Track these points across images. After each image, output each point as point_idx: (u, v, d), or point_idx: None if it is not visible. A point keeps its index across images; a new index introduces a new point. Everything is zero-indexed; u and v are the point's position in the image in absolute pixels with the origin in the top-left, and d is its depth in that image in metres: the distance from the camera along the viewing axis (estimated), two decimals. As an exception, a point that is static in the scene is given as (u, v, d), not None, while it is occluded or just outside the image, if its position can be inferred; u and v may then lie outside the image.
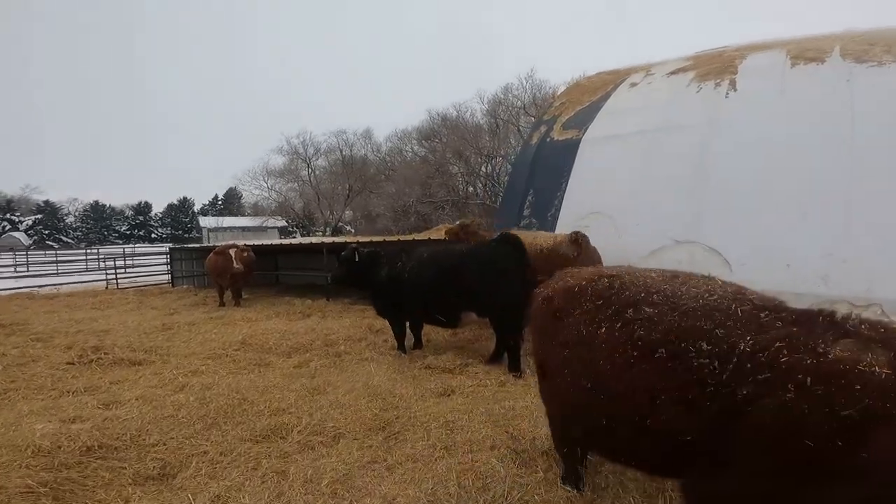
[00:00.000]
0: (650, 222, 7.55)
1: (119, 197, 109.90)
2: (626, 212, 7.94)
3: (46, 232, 65.17)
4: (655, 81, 9.76)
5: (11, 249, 46.68)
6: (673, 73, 9.56)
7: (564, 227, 8.37)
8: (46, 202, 69.07)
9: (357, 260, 6.70)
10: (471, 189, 43.19)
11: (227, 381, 5.33)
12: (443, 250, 6.70)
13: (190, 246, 18.26)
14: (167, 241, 68.09)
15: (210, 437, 3.93)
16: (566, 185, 9.04)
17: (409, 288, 6.23)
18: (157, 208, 77.96)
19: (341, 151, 53.00)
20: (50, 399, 4.85)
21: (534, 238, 6.78)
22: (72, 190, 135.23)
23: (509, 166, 40.13)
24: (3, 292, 13.65)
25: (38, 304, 11.88)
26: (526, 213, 9.63)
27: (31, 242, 59.32)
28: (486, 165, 40.64)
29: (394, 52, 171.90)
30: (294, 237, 63.97)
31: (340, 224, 61.06)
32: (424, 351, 6.62)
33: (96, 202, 73.06)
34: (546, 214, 9.13)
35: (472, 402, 4.59)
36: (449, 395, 4.85)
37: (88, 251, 34.24)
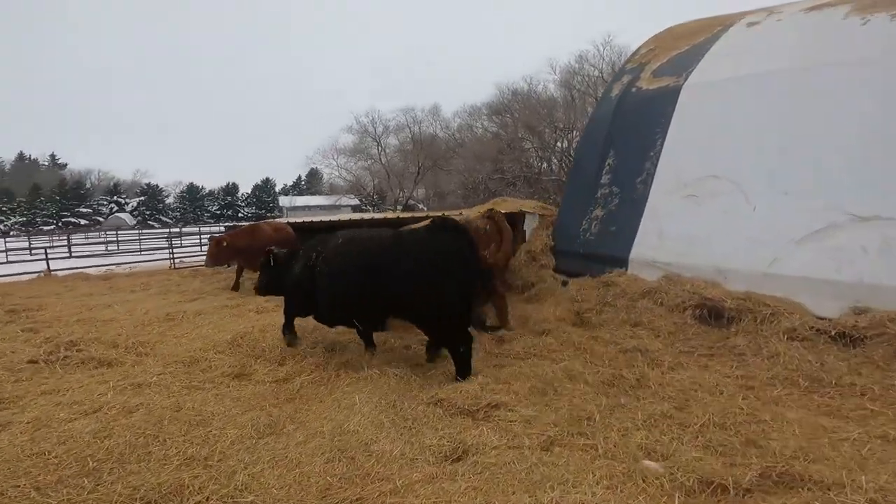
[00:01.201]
0: (807, 189, 5.20)
1: (215, 179, 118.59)
2: (761, 175, 5.59)
3: (148, 212, 71.27)
4: (787, 19, 7.17)
5: (118, 229, 51.61)
6: (813, 8, 6.92)
7: (663, 195, 6.34)
8: (149, 184, 75.65)
9: (273, 264, 5.56)
10: (545, 165, 40.77)
11: (167, 401, 4.03)
12: (363, 239, 4.94)
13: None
14: (251, 220, 72.11)
15: (65, 496, 2.66)
16: (662, 143, 6.74)
17: (320, 288, 4.89)
18: (244, 189, 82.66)
19: (410, 129, 51.94)
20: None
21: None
22: (177, 174, 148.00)
23: (588, 137, 37.45)
24: (62, 272, 13.78)
25: (81, 285, 11.60)
26: (605, 180, 7.40)
27: (135, 222, 65.21)
28: (562, 140, 37.89)
29: (456, 26, 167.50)
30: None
31: (412, 201, 60.74)
32: (442, 367, 4.90)
33: (191, 184, 78.75)
34: (634, 181, 6.90)
35: (493, 482, 2.76)
36: (458, 460, 3.06)
37: (172, 230, 36.31)
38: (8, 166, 71.76)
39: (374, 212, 62.64)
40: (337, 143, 53.53)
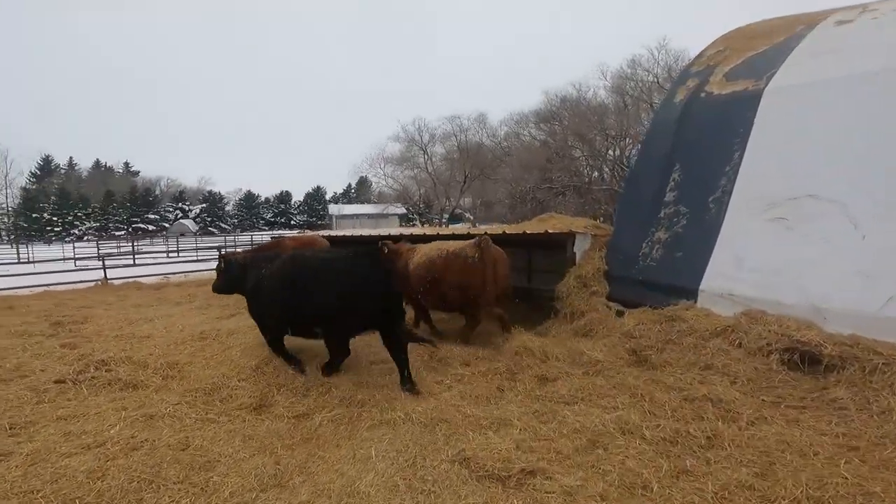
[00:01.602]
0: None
1: (271, 187, 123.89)
2: (870, 196, 4.69)
3: (209, 219, 74.87)
4: (886, 16, 6.10)
5: (182, 235, 54.38)
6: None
7: (743, 217, 5.51)
8: (211, 192, 79.53)
9: (226, 267, 6.28)
10: (595, 174, 39.31)
11: (175, 437, 3.78)
12: (296, 258, 5.83)
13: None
14: (303, 228, 74.16)
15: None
16: (741, 156, 5.86)
17: (264, 298, 5.67)
18: (297, 196, 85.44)
19: (456, 137, 51.75)
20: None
21: (442, 244, 6.66)
22: (237, 181, 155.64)
23: (640, 146, 35.58)
24: (119, 281, 14.23)
25: (133, 294, 11.89)
26: (669, 197, 6.55)
27: (197, 229, 68.66)
28: (614, 148, 36.45)
29: (503, 32, 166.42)
30: (413, 224, 65.15)
31: (459, 211, 60.52)
32: (480, 410, 4.31)
33: (248, 192, 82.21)
34: (705, 200, 6.04)
35: None
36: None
37: (227, 238, 37.69)
38: (85, 173, 77.51)
39: (419, 221, 62.89)
40: (384, 152, 54.20)
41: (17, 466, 3.24)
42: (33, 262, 21.43)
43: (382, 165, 55.09)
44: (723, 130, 6.31)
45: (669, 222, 6.29)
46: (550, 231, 7.27)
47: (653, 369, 5.09)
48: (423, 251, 6.74)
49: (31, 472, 3.19)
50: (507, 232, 8.47)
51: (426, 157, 53.79)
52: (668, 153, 6.96)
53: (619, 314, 6.20)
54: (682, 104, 7.36)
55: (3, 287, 12.35)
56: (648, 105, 32.70)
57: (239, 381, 5.05)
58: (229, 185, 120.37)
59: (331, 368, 5.29)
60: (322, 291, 5.08)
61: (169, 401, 4.49)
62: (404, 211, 62.05)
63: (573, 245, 7.12)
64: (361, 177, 76.54)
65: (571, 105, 38.89)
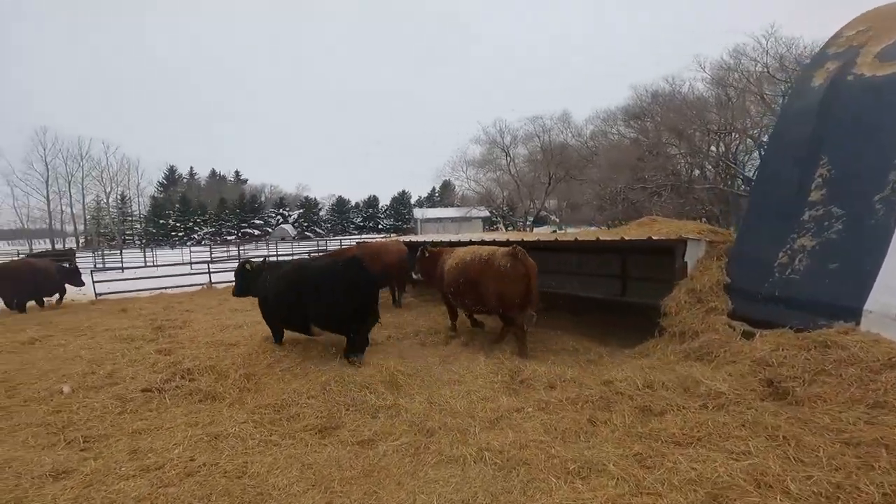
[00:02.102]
0: None
1: (360, 192, 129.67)
2: None
3: (306, 224, 80.00)
4: None
5: (282, 239, 58.54)
6: None
7: None
8: (307, 198, 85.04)
9: (243, 272, 7.19)
10: (696, 172, 36.13)
11: (234, 463, 3.58)
12: (295, 265, 6.95)
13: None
14: (390, 232, 76.57)
15: None
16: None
17: (270, 299, 6.57)
18: (384, 201, 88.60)
19: (539, 138, 50.36)
20: (27, 440, 3.73)
21: (473, 249, 6.86)
22: (330, 187, 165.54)
23: (750, 141, 32.00)
24: (223, 285, 15.12)
25: (233, 299, 12.44)
26: (815, 197, 5.26)
27: (295, 233, 73.66)
28: (717, 144, 33.27)
29: (584, 28, 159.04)
30: (496, 228, 64.45)
31: (544, 213, 58.88)
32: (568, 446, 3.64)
33: (340, 197, 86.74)
34: (869, 199, 4.75)
35: None
36: None
37: (319, 242, 39.68)
38: (203, 182, 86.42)
39: (502, 224, 62.05)
40: (465, 155, 54.21)
41: (71, 488, 3.17)
42: (157, 265, 23.80)
43: (465, 168, 55.07)
44: (885, 116, 4.95)
45: (818, 227, 5.04)
46: (655, 237, 6.25)
47: (797, 405, 4.05)
48: (458, 254, 6.98)
49: (83, 495, 3.09)
50: (601, 238, 7.56)
51: (508, 159, 52.96)
52: (810, 144, 5.66)
53: (747, 336, 5.10)
54: (824, 89, 6.01)
55: (128, 289, 13.58)
56: (758, 96, 29.35)
57: (308, 398, 4.81)
58: (323, 190, 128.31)
59: (359, 345, 6.12)
60: (314, 293, 6.03)
61: (237, 418, 4.33)
62: (487, 214, 61.65)
63: (684, 253, 6.04)
64: (445, 180, 77.62)
65: (665, 100, 36.66)
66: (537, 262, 6.21)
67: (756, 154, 31.89)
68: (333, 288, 5.95)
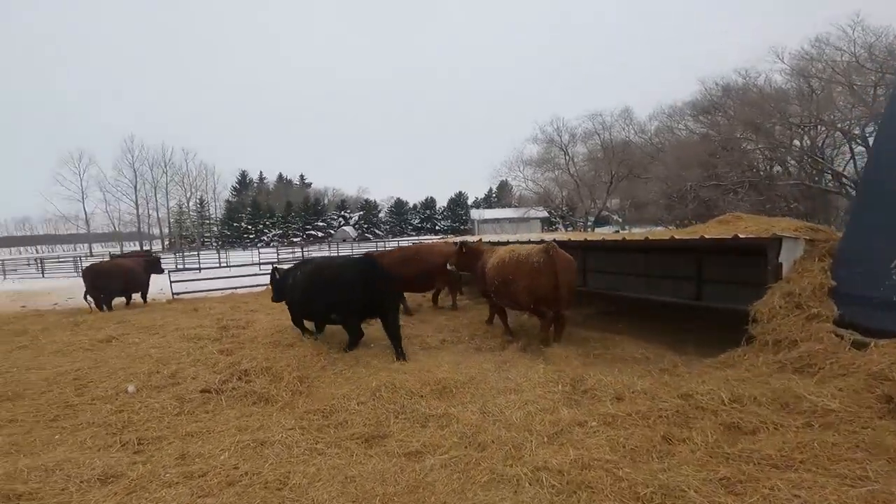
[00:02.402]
0: None
1: (418, 193, 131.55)
2: None
3: (366, 226, 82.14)
4: None
5: (343, 241, 60.42)
6: None
7: None
8: (367, 200, 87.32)
9: (276, 277, 7.82)
10: (777, 168, 33.47)
11: (276, 472, 3.46)
12: (316, 264, 7.41)
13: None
14: (447, 233, 76.90)
15: None
16: None
17: (296, 296, 7.14)
18: (441, 202, 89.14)
19: (599, 135, 48.49)
20: (86, 441, 3.78)
21: (512, 249, 7.03)
22: (389, 189, 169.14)
23: (839, 134, 29.00)
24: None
25: None
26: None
27: (356, 235, 75.83)
28: (801, 138, 30.61)
29: (642, 21, 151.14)
30: (555, 229, 62.83)
31: (605, 213, 56.67)
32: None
33: (398, 199, 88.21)
34: None
35: None
36: None
37: (378, 244, 40.43)
38: (271, 186, 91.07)
39: (562, 225, 60.37)
40: (522, 154, 53.25)
41: (115, 494, 3.14)
42: (230, 265, 25.16)
43: (521, 168, 54.07)
44: None
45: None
46: (742, 235, 5.53)
47: (927, 427, 3.38)
48: (499, 254, 7.15)
49: (124, 503, 3.03)
50: (675, 237, 6.90)
51: (567, 157, 51.44)
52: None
53: (859, 346, 4.38)
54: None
55: (202, 289, 14.29)
56: (845, 87, 26.73)
57: (358, 403, 4.65)
58: (382, 192, 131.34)
59: (351, 346, 6.65)
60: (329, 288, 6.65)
61: (285, 424, 4.23)
62: (546, 214, 60.23)
63: (779, 252, 5.29)
64: (501, 181, 76.80)
65: (738, 93, 34.62)
66: (600, 262, 5.77)
67: (846, 148, 29.32)
68: (347, 283, 6.51)
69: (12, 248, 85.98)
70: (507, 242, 8.73)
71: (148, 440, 3.91)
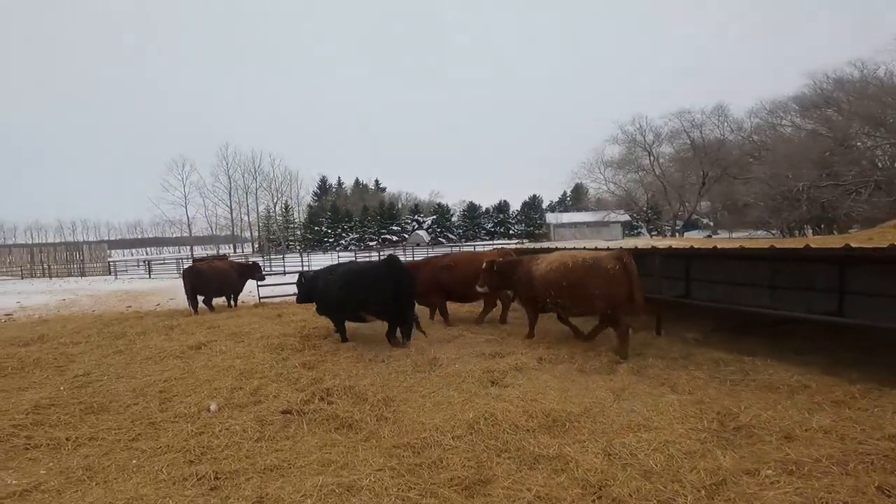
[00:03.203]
0: None
1: (490, 197, 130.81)
2: None
3: (439, 230, 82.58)
4: None
5: (417, 245, 61.09)
6: None
7: None
8: (440, 204, 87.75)
9: (302, 282, 8.60)
10: (904, 166, 29.50)
11: None
12: (345, 268, 8.19)
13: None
14: (522, 237, 75.30)
15: None
16: None
17: (326, 298, 7.90)
18: (515, 206, 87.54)
19: (688, 134, 44.95)
20: (161, 471, 3.48)
21: (576, 253, 7.13)
22: (461, 193, 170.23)
23: None
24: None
25: None
26: None
27: (429, 239, 76.45)
28: None
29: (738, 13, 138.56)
30: (638, 233, 59.18)
31: (695, 217, 52.47)
32: None
33: (471, 202, 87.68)
34: None
35: None
36: None
37: (452, 248, 40.21)
38: (349, 191, 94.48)
39: (646, 230, 56.70)
40: (602, 155, 50.67)
41: None
42: (312, 269, 26.01)
43: (602, 169, 51.52)
44: None
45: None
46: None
47: None
48: (552, 259, 7.18)
49: None
50: (810, 246, 5.74)
51: (652, 158, 48.29)
52: None
53: None
54: None
55: (286, 294, 14.57)
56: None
57: (453, 438, 4.05)
58: (455, 196, 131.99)
59: (407, 336, 7.46)
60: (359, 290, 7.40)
61: (372, 463, 3.69)
62: (628, 218, 56.94)
63: None
64: (576, 184, 73.86)
65: (855, 87, 31.94)
66: (707, 272, 4.78)
67: None
68: (374, 281, 7.26)
69: (124, 250, 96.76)
70: (553, 249, 8.70)
71: (225, 474, 3.54)
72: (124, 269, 37.99)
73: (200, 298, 12.34)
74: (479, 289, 8.12)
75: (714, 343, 7.04)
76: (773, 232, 37.22)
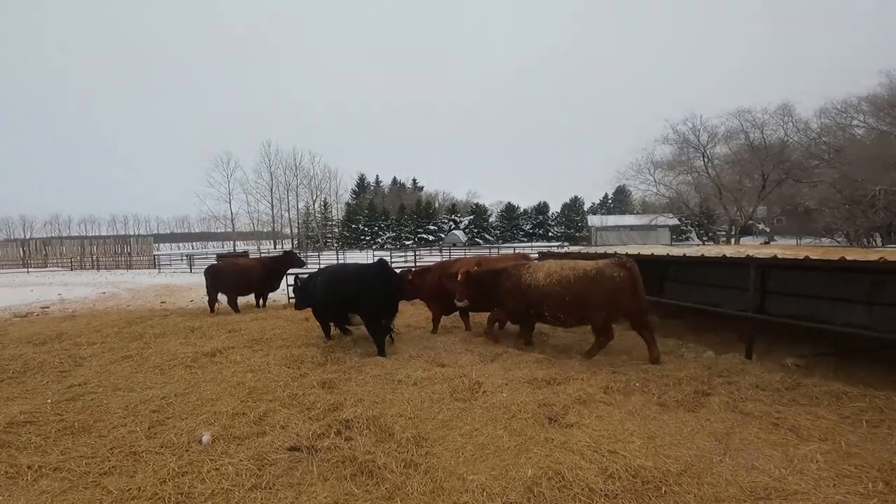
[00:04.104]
0: None
1: (530, 198, 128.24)
2: None
3: (476, 230, 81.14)
4: None
5: (454, 245, 60.13)
6: None
7: None
8: (477, 204, 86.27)
9: (299, 286, 8.30)
10: None
11: None
12: (333, 270, 8.07)
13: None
14: (562, 240, 73.01)
15: None
16: None
17: (318, 299, 7.75)
18: (555, 207, 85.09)
19: (747, 134, 41.84)
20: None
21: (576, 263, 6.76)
22: (499, 193, 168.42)
23: None
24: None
25: (405, 310, 11.60)
26: None
27: (466, 239, 75.27)
28: None
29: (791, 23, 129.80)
30: (689, 239, 56.05)
31: (751, 222, 49.08)
32: None
33: (509, 203, 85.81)
34: None
35: None
36: None
37: (490, 249, 38.96)
38: (387, 190, 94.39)
39: (696, 235, 53.53)
40: (653, 156, 48.01)
41: None
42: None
43: (651, 171, 48.82)
44: None
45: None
46: None
47: None
48: (548, 268, 6.82)
49: None
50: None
51: (706, 160, 45.36)
52: None
53: None
54: None
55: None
56: None
57: (506, 488, 2.98)
58: (492, 197, 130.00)
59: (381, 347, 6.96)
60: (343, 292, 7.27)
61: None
62: (677, 222, 53.89)
63: None
64: (619, 185, 70.85)
65: None
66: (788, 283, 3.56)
67: None
68: (363, 284, 7.03)
69: (171, 244, 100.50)
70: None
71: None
72: (168, 262, 38.89)
73: (224, 298, 11.79)
74: (457, 303, 7.46)
75: (823, 370, 5.71)
76: (839, 240, 34.22)
